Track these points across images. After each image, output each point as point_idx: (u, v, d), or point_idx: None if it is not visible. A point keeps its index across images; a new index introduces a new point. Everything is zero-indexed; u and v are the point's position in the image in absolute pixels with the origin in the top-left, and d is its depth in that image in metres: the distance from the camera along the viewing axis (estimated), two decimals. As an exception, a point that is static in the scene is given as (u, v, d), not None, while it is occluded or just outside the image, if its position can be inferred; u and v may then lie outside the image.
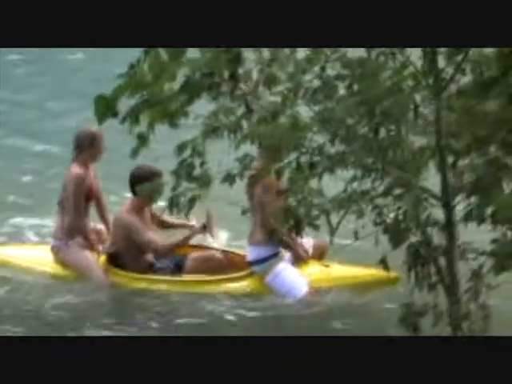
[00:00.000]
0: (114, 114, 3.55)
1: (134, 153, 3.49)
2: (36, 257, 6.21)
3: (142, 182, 5.39)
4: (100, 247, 6.05)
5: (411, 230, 3.58)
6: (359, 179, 3.63)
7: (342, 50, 3.61)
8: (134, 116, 3.56)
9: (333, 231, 3.31)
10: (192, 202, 3.45)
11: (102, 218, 6.23)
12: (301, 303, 5.31)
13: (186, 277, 6.05)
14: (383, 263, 3.48)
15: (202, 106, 3.70)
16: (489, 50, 3.72)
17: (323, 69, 3.57)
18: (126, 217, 5.77)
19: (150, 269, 6.06)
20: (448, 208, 3.59)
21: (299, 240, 5.40)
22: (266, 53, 3.59)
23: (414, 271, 3.54)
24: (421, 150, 3.60)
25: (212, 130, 3.56)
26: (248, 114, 3.58)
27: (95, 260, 6.03)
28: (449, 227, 3.60)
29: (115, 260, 6.05)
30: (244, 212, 4.09)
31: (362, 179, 3.63)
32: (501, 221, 3.48)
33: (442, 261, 3.66)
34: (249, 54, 3.58)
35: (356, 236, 3.40)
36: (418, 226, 3.57)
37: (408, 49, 3.59)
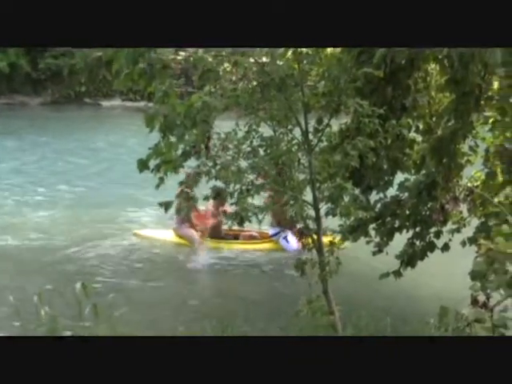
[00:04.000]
0: (147, 168, 6.07)
1: (157, 186, 6.03)
2: (164, 234, 11.94)
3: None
4: (197, 228, 11.77)
5: (298, 221, 5.90)
6: (272, 197, 6.10)
7: (260, 130, 5.79)
8: (157, 168, 6.00)
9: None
10: (190, 208, 6.28)
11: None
12: (294, 251, 9.52)
13: (241, 242, 11.84)
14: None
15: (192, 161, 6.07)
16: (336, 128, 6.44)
17: (251, 142, 5.80)
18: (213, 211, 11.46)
19: (223, 238, 11.85)
20: (317, 210, 5.84)
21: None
22: (222, 135, 5.81)
23: (301, 242, 5.95)
24: (302, 181, 5.81)
25: (197, 174, 5.90)
26: (214, 166, 5.81)
27: (196, 234, 11.65)
28: (317, 220, 5.86)
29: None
30: None
31: (274, 197, 6.07)
32: (342, 215, 6.07)
33: (314, 236, 5.91)
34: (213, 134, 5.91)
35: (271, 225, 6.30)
36: (302, 219, 5.82)
37: (295, 129, 5.85)
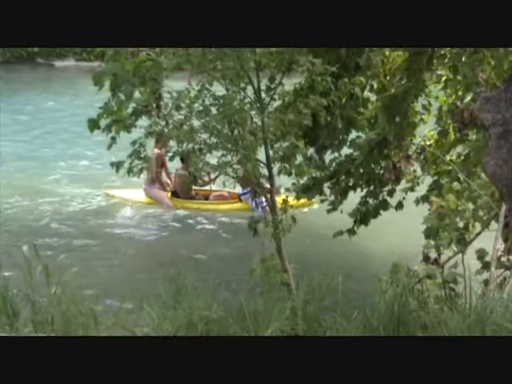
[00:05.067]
0: (98, 127, 6.02)
1: (109, 147, 5.94)
2: (134, 194, 12.03)
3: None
4: (168, 188, 12.00)
5: (252, 179, 5.89)
6: (224, 156, 5.88)
7: (212, 89, 5.76)
8: (108, 128, 5.94)
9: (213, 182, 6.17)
10: (141, 170, 5.99)
11: (167, 174, 12.15)
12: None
13: (211, 201, 11.95)
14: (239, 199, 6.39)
15: (144, 120, 6.05)
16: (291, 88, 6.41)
17: (203, 101, 5.73)
18: (182, 172, 10.91)
19: (193, 198, 12.02)
20: (269, 168, 5.83)
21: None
22: (173, 93, 5.70)
23: (254, 201, 6.23)
24: (255, 140, 5.74)
25: (149, 133, 5.86)
26: (167, 125, 5.78)
27: (165, 194, 11.87)
28: (270, 178, 5.86)
29: (175, 194, 11.93)
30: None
31: (226, 156, 5.89)
32: (296, 175, 6.21)
33: (268, 195, 5.92)
34: (165, 94, 5.86)
35: (224, 184, 6.31)
36: (255, 177, 5.83)
37: (247, 88, 5.85)
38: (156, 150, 11.25)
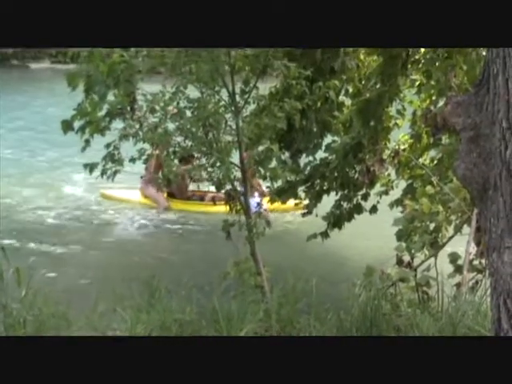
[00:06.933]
0: (72, 129, 6.02)
1: (83, 149, 5.97)
2: (131, 194, 12.07)
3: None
4: (164, 189, 10.69)
5: (226, 183, 5.91)
6: (199, 158, 6.02)
7: (187, 92, 5.82)
8: (82, 130, 5.93)
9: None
10: (115, 173, 6.00)
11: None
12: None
13: (206, 203, 11.54)
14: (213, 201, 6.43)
15: (118, 123, 6.05)
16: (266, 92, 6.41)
17: (178, 103, 5.77)
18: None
19: (189, 199, 11.87)
20: (244, 172, 5.87)
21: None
22: (148, 96, 5.79)
23: (228, 204, 6.07)
24: (229, 143, 5.80)
25: (123, 136, 5.81)
26: (141, 127, 5.79)
27: (162, 194, 11.51)
28: (244, 181, 5.89)
29: (171, 195, 11.80)
30: None
31: (201, 158, 6.01)
32: (271, 178, 6.21)
33: (242, 199, 5.95)
34: (139, 97, 5.92)
35: (198, 186, 6.32)
36: (229, 181, 5.86)
37: (222, 91, 5.89)
38: (155, 151, 11.10)
